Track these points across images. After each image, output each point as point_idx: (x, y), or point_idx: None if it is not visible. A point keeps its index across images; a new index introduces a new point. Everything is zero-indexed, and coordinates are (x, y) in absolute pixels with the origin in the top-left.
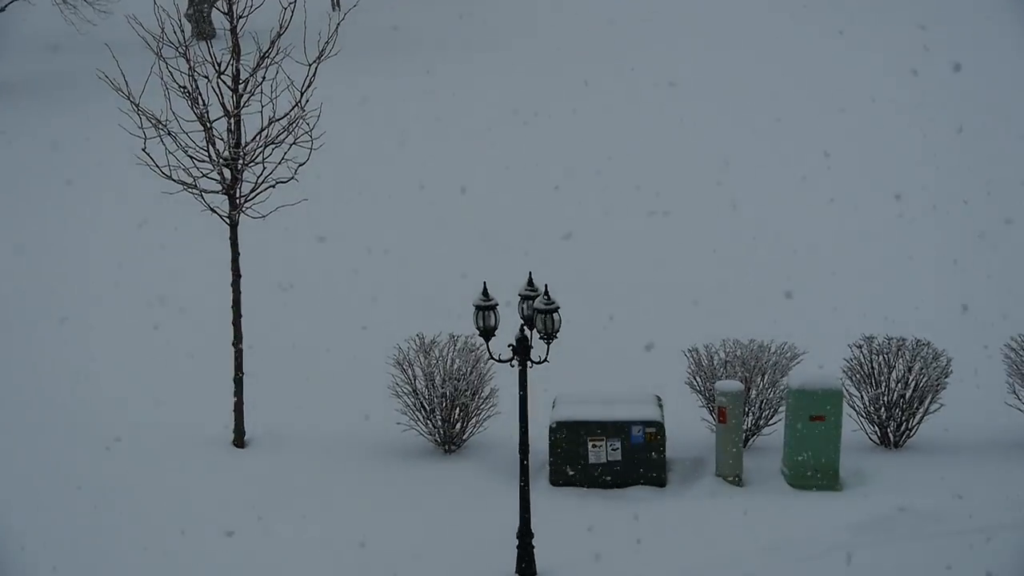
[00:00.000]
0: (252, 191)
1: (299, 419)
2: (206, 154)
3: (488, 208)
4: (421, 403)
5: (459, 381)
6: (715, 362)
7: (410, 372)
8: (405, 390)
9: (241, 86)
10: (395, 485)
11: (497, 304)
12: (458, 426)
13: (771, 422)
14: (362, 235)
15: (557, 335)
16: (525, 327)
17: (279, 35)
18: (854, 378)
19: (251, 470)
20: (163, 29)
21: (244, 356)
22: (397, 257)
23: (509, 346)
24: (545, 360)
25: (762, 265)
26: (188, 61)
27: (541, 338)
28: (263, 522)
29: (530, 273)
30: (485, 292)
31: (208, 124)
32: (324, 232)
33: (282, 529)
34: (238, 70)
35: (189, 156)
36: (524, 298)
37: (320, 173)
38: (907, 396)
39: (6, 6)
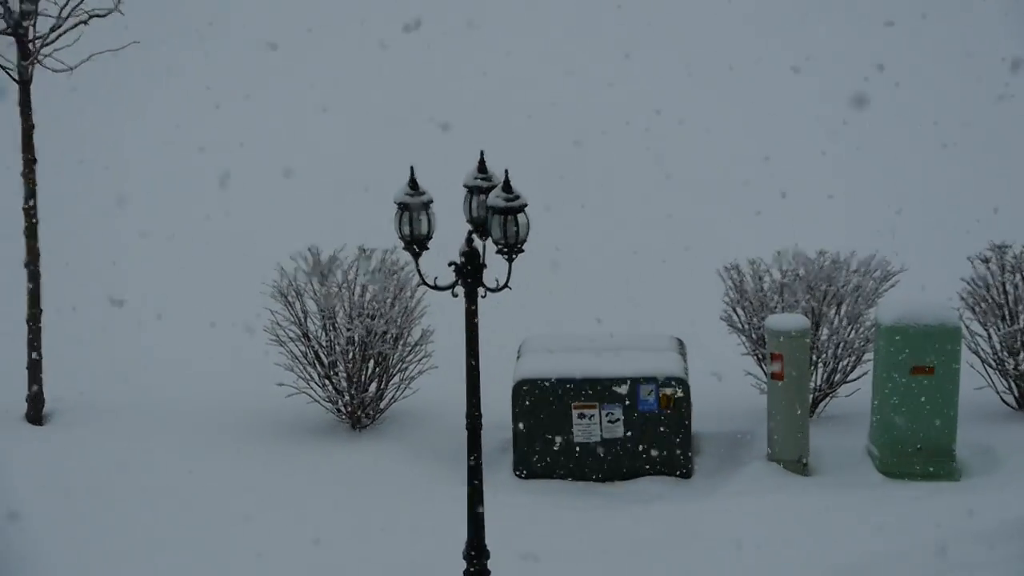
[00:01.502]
0: (53, 30)
1: (127, 383)
2: None
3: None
4: (316, 354)
5: (374, 320)
6: (766, 286)
7: (298, 307)
8: (290, 334)
9: None
10: (266, 486)
11: (431, 201)
12: (373, 388)
13: (851, 377)
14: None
15: (523, 248)
16: (475, 235)
17: None
18: (978, 309)
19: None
20: None
21: (43, 291)
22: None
23: (451, 265)
24: (506, 286)
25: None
26: None
27: (500, 251)
28: None
29: (481, 153)
30: (413, 183)
31: None
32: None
33: None
34: None
35: None
36: (473, 191)
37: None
38: None
39: None
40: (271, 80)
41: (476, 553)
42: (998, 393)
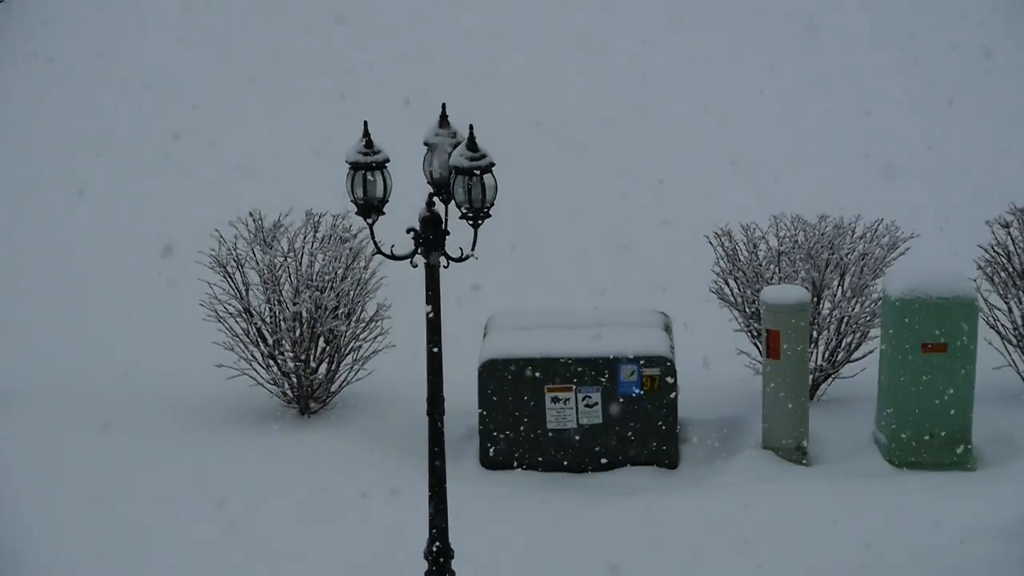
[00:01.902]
0: None
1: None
2: None
3: None
4: (258, 331)
5: (324, 293)
6: (761, 255)
7: (238, 277)
8: (230, 308)
9: None
10: (204, 480)
11: (387, 160)
12: (322, 369)
13: (855, 356)
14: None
15: (490, 212)
16: (436, 198)
17: None
18: (997, 279)
19: None
20: None
21: None
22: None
23: (409, 231)
24: (471, 255)
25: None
26: None
27: (464, 217)
28: None
29: (443, 106)
30: (367, 140)
31: None
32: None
33: None
34: None
35: None
36: (433, 148)
37: None
38: None
39: None
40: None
41: (438, 552)
42: (1019, 373)
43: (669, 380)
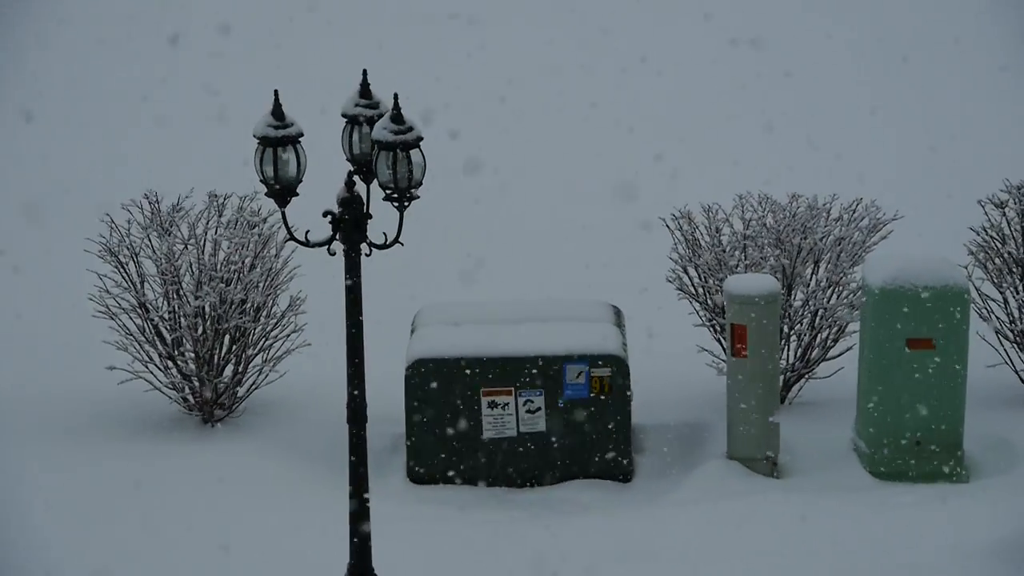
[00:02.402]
0: None
1: None
2: None
3: None
4: (156, 329)
5: (229, 285)
6: (725, 240)
7: (132, 268)
8: (123, 304)
9: None
10: (95, 498)
11: (301, 134)
12: (228, 371)
13: (832, 354)
14: None
15: (417, 193)
16: (356, 176)
17: None
18: (990, 266)
19: None
20: None
21: None
22: None
23: (326, 215)
24: (396, 242)
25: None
26: None
27: (388, 198)
28: None
29: (364, 72)
30: (278, 112)
31: None
32: None
33: None
34: None
35: None
36: (353, 121)
37: None
38: None
39: None
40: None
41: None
42: (1016, 372)
43: (622, 382)
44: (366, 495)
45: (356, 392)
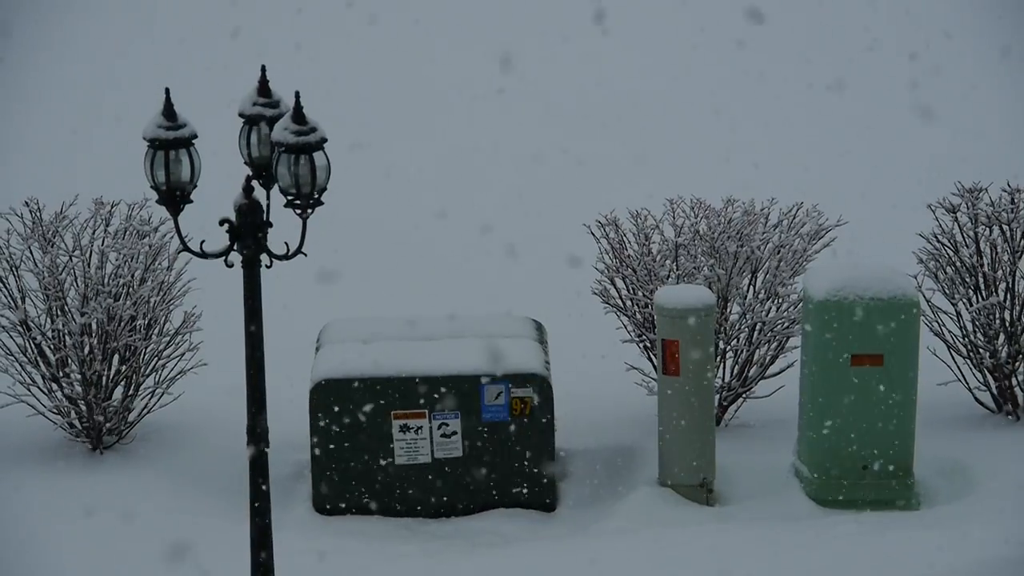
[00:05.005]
0: None
1: None
2: None
3: None
4: (38, 348)
5: (118, 300)
6: (655, 249)
7: (12, 282)
8: (2, 322)
9: None
10: None
11: (194, 136)
12: (118, 394)
13: (770, 372)
14: None
15: (321, 199)
16: (255, 181)
17: None
18: (942, 276)
19: None
20: None
21: None
22: None
23: (223, 223)
24: (299, 252)
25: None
26: None
27: (290, 204)
28: None
29: (263, 68)
30: (169, 111)
31: None
32: None
33: None
34: None
35: None
36: (252, 120)
37: None
38: None
39: None
40: None
41: None
42: (969, 390)
43: (544, 403)
44: (268, 525)
45: (254, 409)
